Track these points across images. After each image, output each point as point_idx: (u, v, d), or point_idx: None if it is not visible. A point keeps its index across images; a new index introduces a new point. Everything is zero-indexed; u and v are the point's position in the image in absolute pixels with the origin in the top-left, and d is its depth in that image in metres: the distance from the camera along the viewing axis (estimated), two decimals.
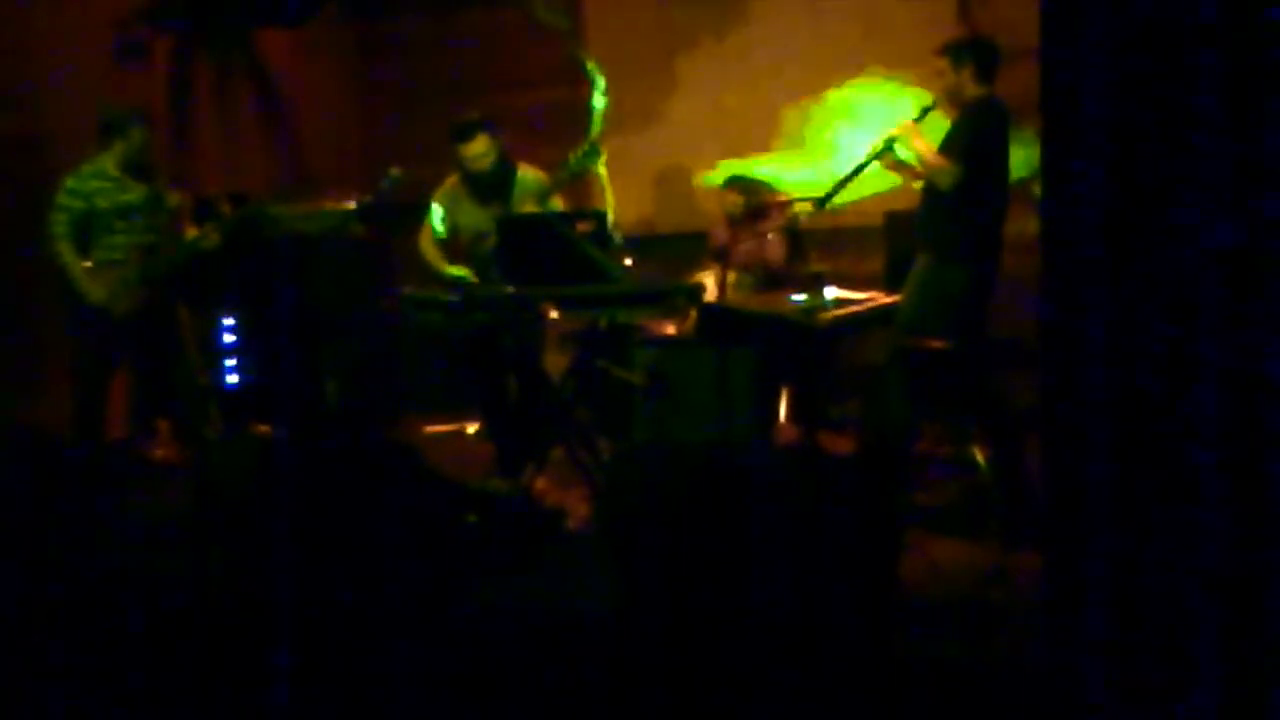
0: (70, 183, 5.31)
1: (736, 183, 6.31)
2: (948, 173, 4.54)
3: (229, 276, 6.19)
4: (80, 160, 5.42)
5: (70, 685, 3.12)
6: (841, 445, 5.45)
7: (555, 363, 5.29)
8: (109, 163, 5.38)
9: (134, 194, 5.41)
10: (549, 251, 4.73)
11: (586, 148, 5.07)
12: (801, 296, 5.19)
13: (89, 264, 5.31)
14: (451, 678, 3.13)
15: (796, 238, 6.21)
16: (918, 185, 4.86)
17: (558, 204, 5.23)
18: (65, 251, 5.27)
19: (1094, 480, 2.24)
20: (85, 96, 5.90)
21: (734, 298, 5.73)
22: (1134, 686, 2.24)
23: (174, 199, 5.62)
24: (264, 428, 6.11)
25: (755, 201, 6.14)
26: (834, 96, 6.84)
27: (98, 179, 5.35)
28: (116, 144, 5.37)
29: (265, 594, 3.30)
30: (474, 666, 3.16)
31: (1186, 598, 2.19)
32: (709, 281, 5.84)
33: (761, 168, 6.71)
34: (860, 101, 6.79)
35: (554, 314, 4.87)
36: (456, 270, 5.24)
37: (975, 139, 4.56)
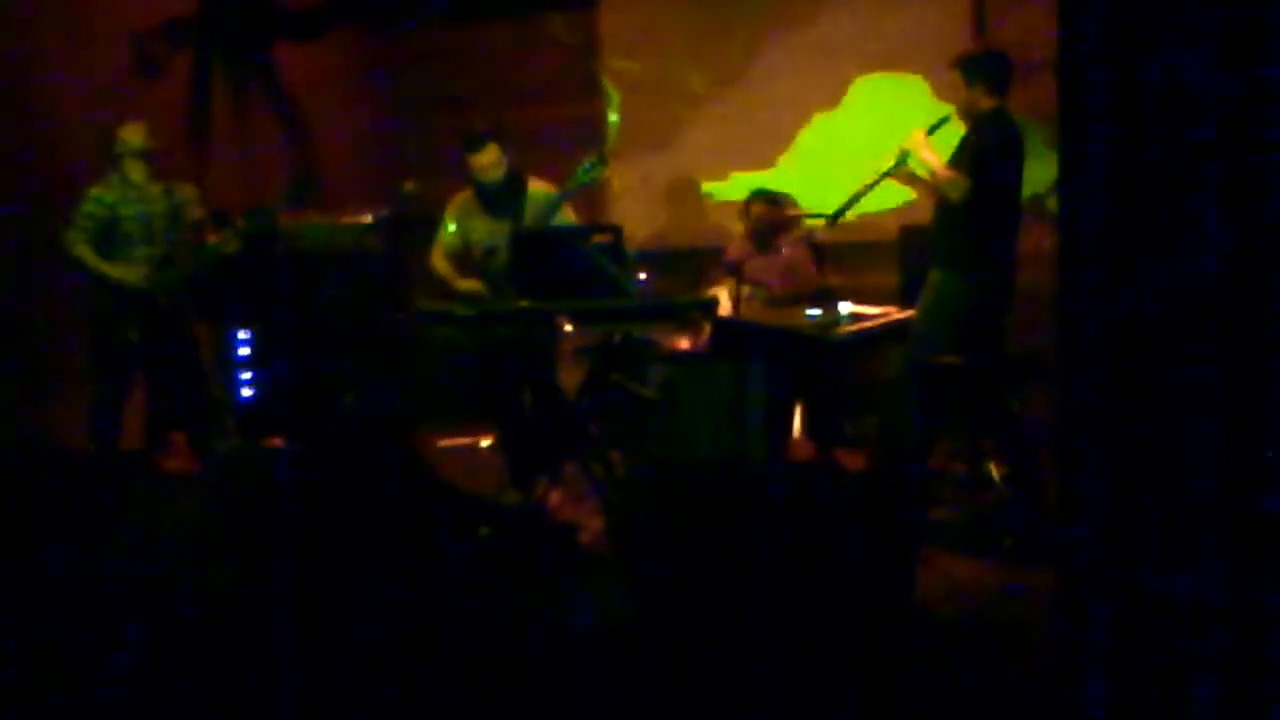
0: (95, 191, 5.45)
1: (763, 195, 6.27)
2: (958, 186, 4.52)
3: (245, 290, 6.22)
4: (98, 173, 5.52)
5: (78, 696, 3.12)
6: (856, 461, 5.43)
7: (569, 376, 5.28)
8: (132, 174, 5.51)
9: (156, 205, 5.56)
10: (563, 265, 4.72)
11: (592, 160, 5.05)
12: (816, 311, 5.17)
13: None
14: (460, 691, 3.12)
15: (814, 252, 6.19)
16: (929, 199, 4.85)
17: (568, 217, 5.23)
18: (85, 253, 5.38)
19: (1105, 497, 2.22)
20: (103, 110, 5.93)
21: (748, 312, 5.72)
22: (1141, 709, 2.22)
23: (197, 212, 5.71)
24: (278, 440, 6.12)
25: (781, 213, 6.11)
26: (848, 111, 6.82)
27: (121, 188, 5.48)
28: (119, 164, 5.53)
29: (275, 606, 3.29)
30: (483, 680, 3.14)
31: (1191, 618, 2.17)
32: (723, 296, 5.82)
33: (778, 182, 6.68)
34: (874, 115, 6.78)
35: (568, 328, 4.86)
36: (469, 284, 5.24)
37: (986, 152, 4.55)
